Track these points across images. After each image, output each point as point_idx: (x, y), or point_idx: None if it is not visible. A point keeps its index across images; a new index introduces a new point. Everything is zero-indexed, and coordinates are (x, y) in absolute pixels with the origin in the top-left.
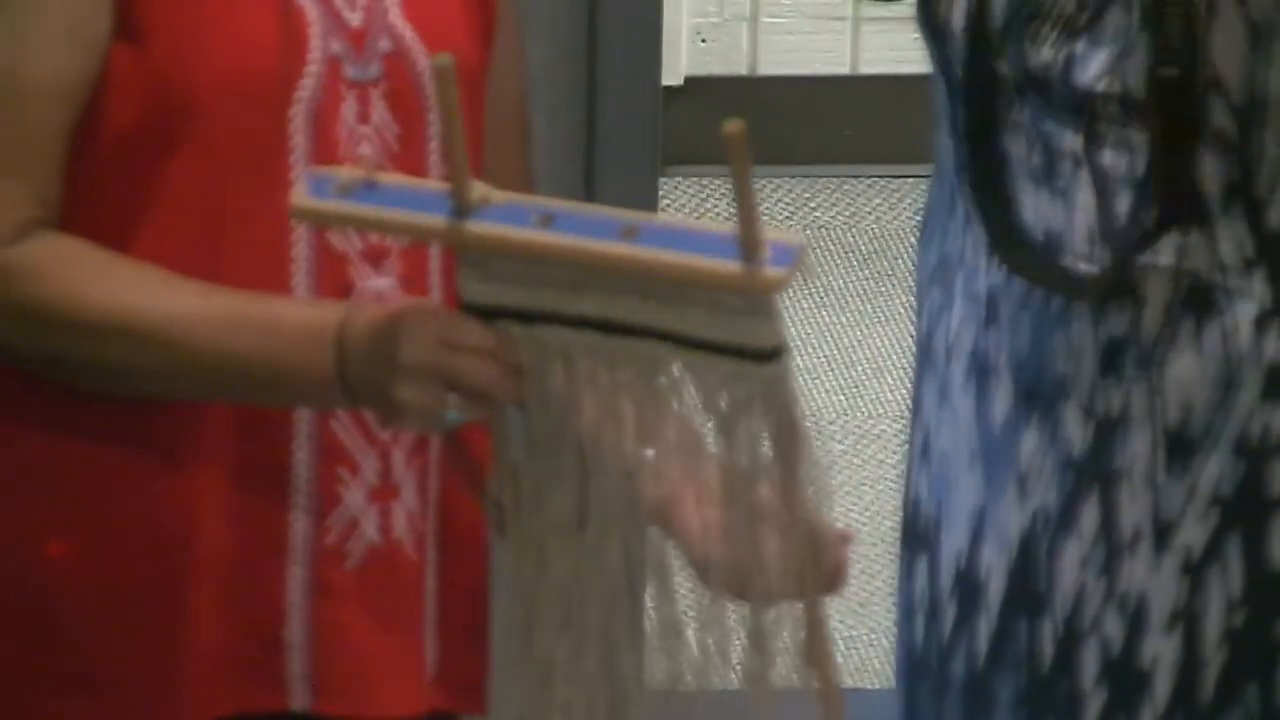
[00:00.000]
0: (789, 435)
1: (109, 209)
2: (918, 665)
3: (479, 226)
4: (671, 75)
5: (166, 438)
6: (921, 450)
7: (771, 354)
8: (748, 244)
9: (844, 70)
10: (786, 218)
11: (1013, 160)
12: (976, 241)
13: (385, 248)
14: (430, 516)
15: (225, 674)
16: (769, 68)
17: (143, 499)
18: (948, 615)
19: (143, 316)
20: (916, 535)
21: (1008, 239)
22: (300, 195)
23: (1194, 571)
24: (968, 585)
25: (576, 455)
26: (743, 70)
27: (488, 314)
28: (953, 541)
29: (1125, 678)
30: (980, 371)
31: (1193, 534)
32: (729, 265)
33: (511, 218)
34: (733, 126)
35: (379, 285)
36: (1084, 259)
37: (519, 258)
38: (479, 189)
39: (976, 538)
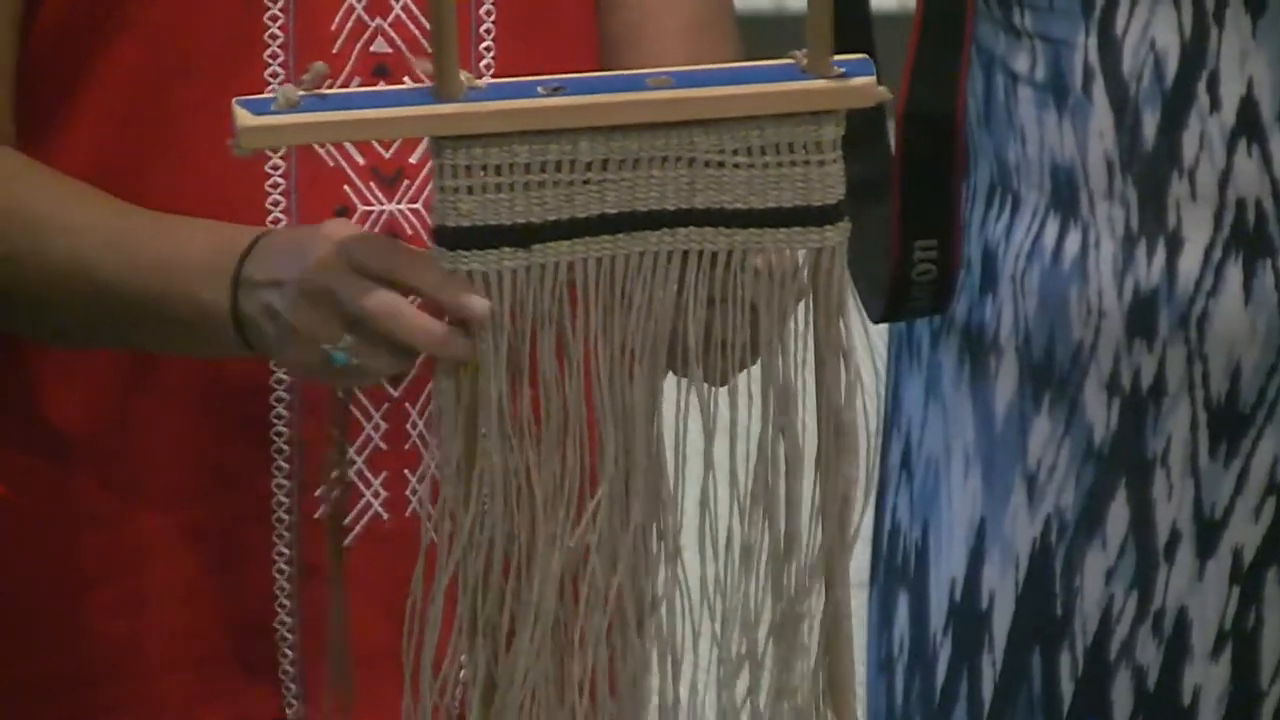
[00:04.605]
0: (838, 327)
1: (36, 106)
2: None
3: (478, 106)
4: None
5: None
6: (900, 464)
7: (838, 208)
8: (819, 52)
9: (891, 6)
10: None
11: (1019, 80)
12: (973, 193)
13: (403, 162)
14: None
15: (215, 668)
16: (799, 1)
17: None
18: (941, 658)
19: (35, 223)
20: (894, 570)
21: None
22: (244, 117)
23: (1246, 579)
24: (966, 618)
25: (576, 433)
26: (768, 7)
27: (479, 239)
28: (945, 568)
29: (1163, 714)
30: (975, 352)
31: (1244, 532)
32: (808, 84)
33: (513, 94)
34: None
35: (392, 211)
36: (1103, 196)
37: (525, 145)
38: (464, 75)
39: (976, 558)
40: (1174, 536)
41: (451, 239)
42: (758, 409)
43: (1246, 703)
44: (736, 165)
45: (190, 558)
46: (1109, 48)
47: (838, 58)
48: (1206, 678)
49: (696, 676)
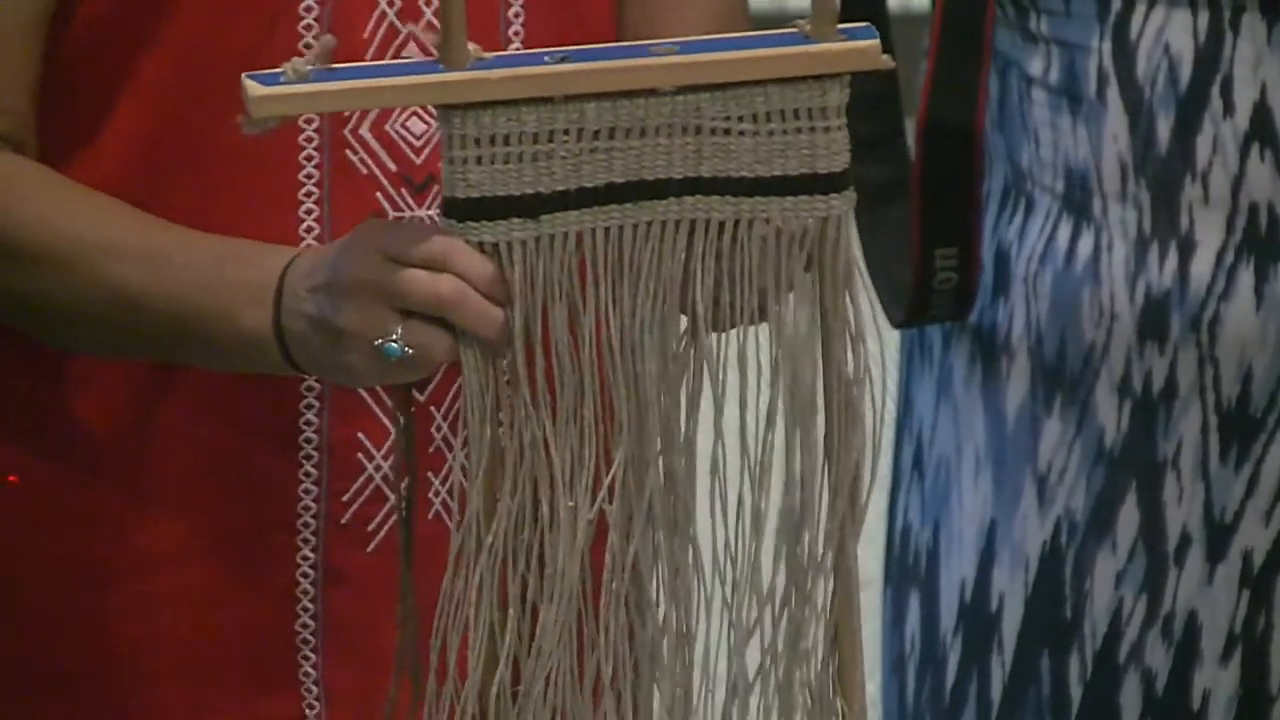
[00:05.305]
0: (845, 297)
1: (66, 121)
2: None
3: (486, 74)
4: None
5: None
6: (912, 464)
7: (844, 176)
8: (823, 18)
9: (892, 6)
10: None
11: (1033, 84)
12: (987, 195)
13: (434, 169)
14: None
15: (230, 672)
16: (800, 1)
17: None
18: (951, 659)
19: (69, 242)
20: (905, 569)
21: None
22: (254, 88)
23: (1256, 583)
24: (976, 619)
25: (591, 404)
26: (768, 6)
27: (488, 210)
28: (955, 568)
29: (1172, 719)
30: (987, 353)
31: (1254, 536)
32: (813, 47)
33: (519, 64)
34: None
35: (423, 217)
36: (1116, 198)
37: (533, 112)
38: (471, 46)
39: (986, 560)
40: (1184, 540)
41: (461, 210)
42: (767, 378)
43: (1256, 707)
44: (742, 132)
45: (210, 562)
46: (1124, 52)
47: (841, 25)
48: (1216, 682)
49: (710, 645)
